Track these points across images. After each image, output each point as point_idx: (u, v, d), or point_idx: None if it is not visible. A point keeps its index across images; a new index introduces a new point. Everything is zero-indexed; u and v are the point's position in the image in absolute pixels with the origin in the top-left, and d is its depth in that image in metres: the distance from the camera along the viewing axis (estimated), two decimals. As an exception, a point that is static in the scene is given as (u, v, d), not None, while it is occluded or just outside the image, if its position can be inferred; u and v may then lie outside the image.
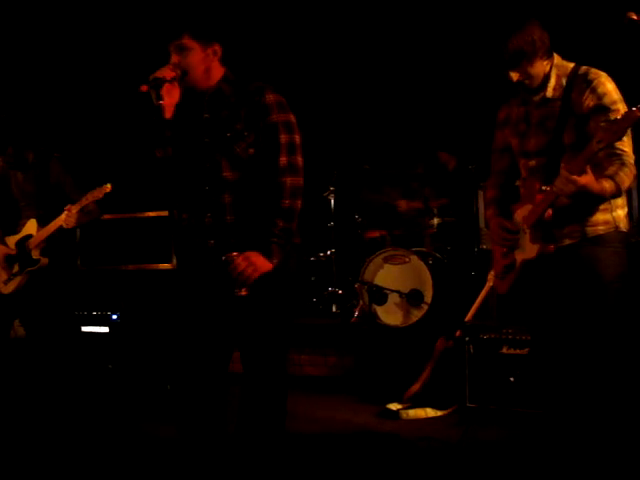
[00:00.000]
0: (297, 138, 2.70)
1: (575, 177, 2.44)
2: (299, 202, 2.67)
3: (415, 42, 6.38)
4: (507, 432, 3.73)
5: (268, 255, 2.60)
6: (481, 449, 3.53)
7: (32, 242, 4.04)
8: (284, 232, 2.63)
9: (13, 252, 4.08)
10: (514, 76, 2.67)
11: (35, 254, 4.04)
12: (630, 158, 2.58)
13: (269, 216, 2.63)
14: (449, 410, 4.22)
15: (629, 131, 2.50)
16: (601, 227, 2.63)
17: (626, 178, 2.53)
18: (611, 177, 2.52)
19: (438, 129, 6.22)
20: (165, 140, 2.72)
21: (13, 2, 6.35)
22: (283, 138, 2.66)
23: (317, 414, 4.35)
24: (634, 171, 2.57)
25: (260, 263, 2.59)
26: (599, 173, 2.54)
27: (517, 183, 2.95)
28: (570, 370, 2.68)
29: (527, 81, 2.69)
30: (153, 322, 5.22)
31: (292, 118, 2.72)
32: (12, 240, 4.12)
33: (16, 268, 4.07)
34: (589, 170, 2.46)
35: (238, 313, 2.67)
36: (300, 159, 2.69)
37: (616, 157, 2.56)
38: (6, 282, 4.07)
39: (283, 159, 2.65)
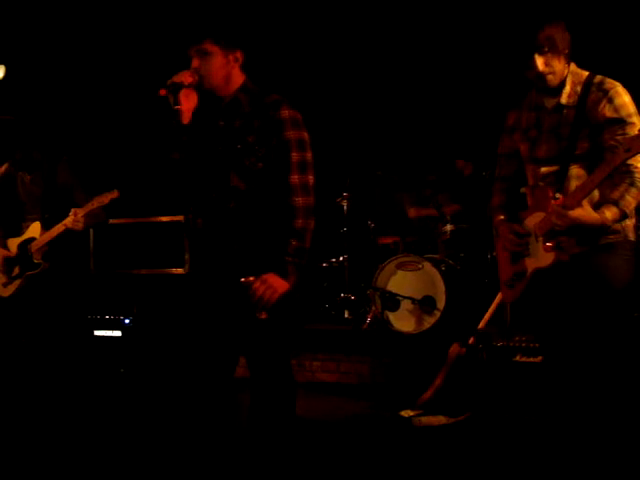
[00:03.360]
0: (309, 156, 2.68)
1: (567, 212, 2.46)
2: (312, 222, 2.66)
3: (429, 48, 6.39)
4: (520, 439, 3.71)
5: (284, 275, 2.60)
6: (492, 456, 3.51)
7: (34, 245, 4.00)
8: (298, 251, 2.62)
9: (12, 255, 4.05)
10: (539, 63, 2.61)
11: (36, 257, 4.01)
12: None
13: (283, 236, 2.62)
14: (462, 417, 4.19)
15: None
16: (611, 235, 2.63)
17: (633, 200, 2.54)
18: (615, 203, 2.52)
19: (451, 135, 6.22)
20: (181, 145, 2.73)
21: (26, 3, 6.39)
22: (295, 156, 2.65)
23: (328, 420, 4.33)
24: None
25: (278, 284, 2.58)
26: (610, 187, 2.53)
27: (523, 190, 2.94)
28: (581, 377, 2.67)
29: (550, 75, 2.65)
30: (165, 326, 5.23)
31: (305, 136, 2.70)
32: (15, 242, 4.09)
33: (16, 271, 4.04)
34: (585, 203, 2.48)
35: (246, 322, 2.66)
36: (311, 178, 2.68)
37: (627, 175, 2.55)
38: (5, 285, 4.05)
39: (294, 178, 2.64)
